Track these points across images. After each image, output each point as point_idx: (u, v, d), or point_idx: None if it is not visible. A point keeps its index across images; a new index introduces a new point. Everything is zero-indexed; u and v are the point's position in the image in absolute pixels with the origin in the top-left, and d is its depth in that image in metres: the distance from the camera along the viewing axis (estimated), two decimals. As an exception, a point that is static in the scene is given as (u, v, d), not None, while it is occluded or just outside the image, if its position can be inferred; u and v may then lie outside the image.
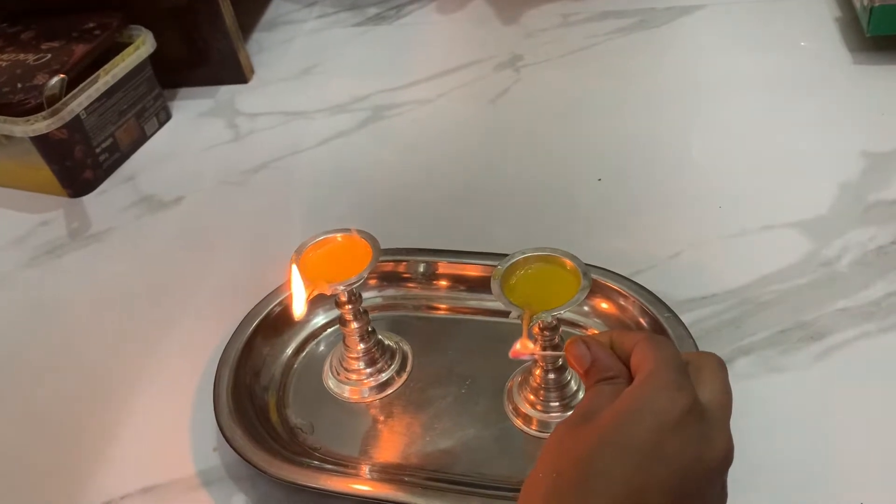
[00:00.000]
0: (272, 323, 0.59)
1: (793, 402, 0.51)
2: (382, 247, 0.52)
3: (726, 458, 0.36)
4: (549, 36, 0.92)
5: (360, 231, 0.53)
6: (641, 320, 0.54)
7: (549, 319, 0.47)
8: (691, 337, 0.52)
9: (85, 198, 0.80)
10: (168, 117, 0.88)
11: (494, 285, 0.47)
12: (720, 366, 0.39)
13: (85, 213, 0.78)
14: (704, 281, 0.60)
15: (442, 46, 0.93)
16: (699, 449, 0.35)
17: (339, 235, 0.53)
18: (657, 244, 0.64)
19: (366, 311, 0.55)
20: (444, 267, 0.61)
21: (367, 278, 0.52)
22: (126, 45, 0.82)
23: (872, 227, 0.62)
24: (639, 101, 0.80)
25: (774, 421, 0.50)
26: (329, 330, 0.60)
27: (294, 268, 0.50)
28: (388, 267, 0.62)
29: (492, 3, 0.98)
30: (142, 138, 0.85)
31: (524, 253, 0.49)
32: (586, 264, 0.48)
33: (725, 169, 0.70)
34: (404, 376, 0.56)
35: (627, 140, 0.75)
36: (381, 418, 0.54)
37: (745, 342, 0.55)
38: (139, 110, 0.84)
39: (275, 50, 0.97)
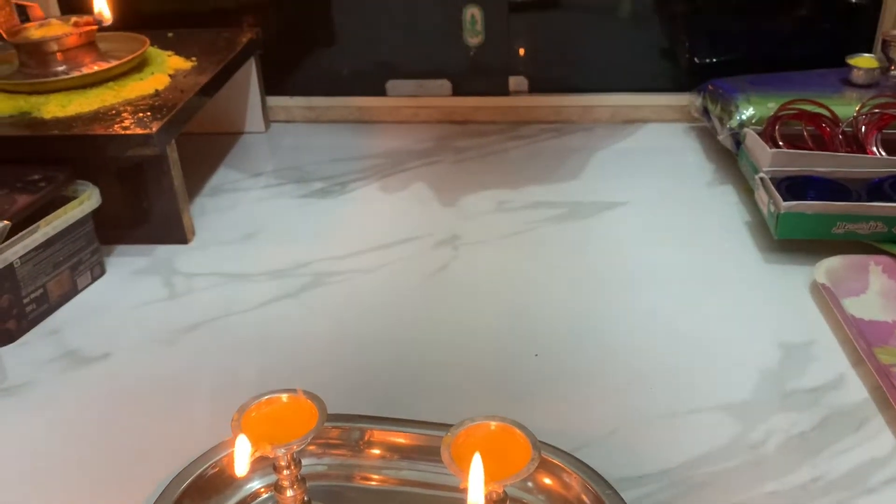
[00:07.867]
0: (200, 488, 0.56)
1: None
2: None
3: None
4: (485, 219, 0.97)
5: (306, 392, 0.52)
6: (584, 497, 0.54)
7: (500, 491, 0.46)
8: (632, 515, 0.52)
9: (3, 349, 0.76)
10: (102, 272, 0.87)
11: (444, 452, 0.47)
12: None
13: (1, 365, 0.74)
14: (639, 460, 0.61)
15: (384, 221, 0.97)
16: None
17: (284, 396, 0.52)
18: (593, 421, 0.65)
19: (303, 479, 0.53)
20: (381, 435, 0.60)
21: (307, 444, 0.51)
22: (70, 198, 0.82)
23: (793, 413, 0.65)
24: (571, 283, 0.84)
25: None
26: (262, 497, 0.58)
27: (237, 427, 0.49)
28: (327, 433, 0.60)
29: (433, 187, 1.04)
30: (73, 291, 0.83)
31: (473, 421, 0.49)
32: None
33: (652, 352, 0.73)
34: (338, 551, 0.54)
35: (563, 320, 0.78)
36: None
37: (681, 523, 0.56)
38: (74, 263, 0.83)
39: (218, 214, 0.99)
